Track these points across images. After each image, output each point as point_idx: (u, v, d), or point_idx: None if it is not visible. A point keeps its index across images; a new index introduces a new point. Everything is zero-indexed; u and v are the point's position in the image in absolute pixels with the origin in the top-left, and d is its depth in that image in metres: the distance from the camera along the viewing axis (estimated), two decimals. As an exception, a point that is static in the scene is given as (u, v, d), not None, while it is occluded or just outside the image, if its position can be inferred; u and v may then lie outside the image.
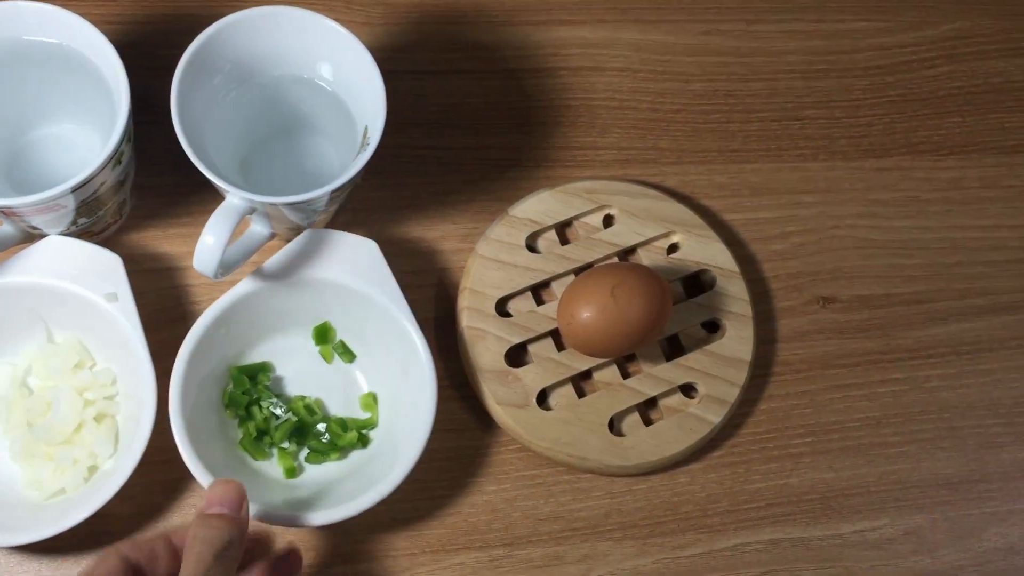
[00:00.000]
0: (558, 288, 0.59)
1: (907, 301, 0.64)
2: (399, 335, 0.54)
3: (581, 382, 0.59)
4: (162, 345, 0.53)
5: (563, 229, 0.61)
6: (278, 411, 0.55)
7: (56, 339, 0.55)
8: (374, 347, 0.56)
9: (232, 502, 0.45)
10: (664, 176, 0.64)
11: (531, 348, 0.58)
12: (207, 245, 0.48)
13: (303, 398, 0.56)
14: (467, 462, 0.58)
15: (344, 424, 0.55)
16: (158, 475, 0.53)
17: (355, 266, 0.54)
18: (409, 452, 0.52)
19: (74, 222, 0.52)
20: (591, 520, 0.57)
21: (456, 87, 0.63)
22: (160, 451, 0.51)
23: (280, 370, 0.57)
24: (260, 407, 0.55)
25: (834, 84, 0.68)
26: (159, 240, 0.58)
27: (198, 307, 0.57)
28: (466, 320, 0.57)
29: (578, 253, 0.59)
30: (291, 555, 0.50)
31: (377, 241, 0.55)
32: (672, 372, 0.58)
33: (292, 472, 0.54)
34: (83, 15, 0.50)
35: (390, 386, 0.56)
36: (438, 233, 0.61)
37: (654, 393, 0.58)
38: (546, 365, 0.58)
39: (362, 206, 0.60)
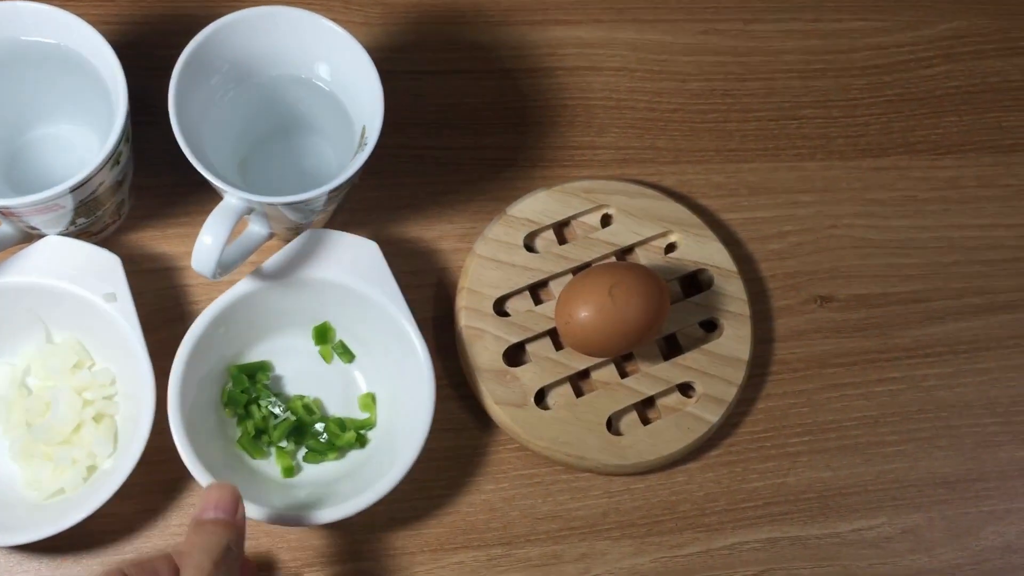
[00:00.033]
0: (556, 288, 0.59)
1: (904, 300, 0.64)
2: (398, 335, 0.54)
3: (579, 381, 0.59)
4: (161, 345, 0.53)
5: (561, 229, 0.61)
6: (277, 410, 0.55)
7: (55, 339, 0.55)
8: (373, 347, 0.56)
9: (227, 505, 0.44)
10: (661, 176, 0.64)
11: (529, 348, 0.58)
12: (205, 245, 0.48)
13: (302, 397, 0.56)
14: (465, 461, 0.58)
15: (342, 424, 0.55)
16: (157, 475, 0.53)
17: (355, 266, 0.54)
18: (407, 452, 0.52)
19: (73, 222, 0.52)
20: (589, 519, 0.58)
21: (454, 87, 0.64)
22: (159, 451, 0.51)
23: (279, 369, 0.57)
24: (259, 406, 0.55)
25: (831, 84, 0.68)
26: (157, 240, 0.58)
27: (197, 307, 0.57)
28: (464, 320, 0.57)
29: (576, 253, 0.60)
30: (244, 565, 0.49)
31: (375, 241, 0.55)
32: (670, 371, 0.58)
33: (290, 471, 0.55)
34: (81, 15, 0.50)
35: (389, 386, 0.56)
36: (436, 233, 0.61)
37: (652, 392, 0.58)
38: (544, 364, 0.58)
39: (360, 206, 0.60)
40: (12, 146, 0.56)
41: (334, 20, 0.51)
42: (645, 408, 0.59)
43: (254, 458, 0.55)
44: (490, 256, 0.59)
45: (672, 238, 0.61)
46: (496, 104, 0.64)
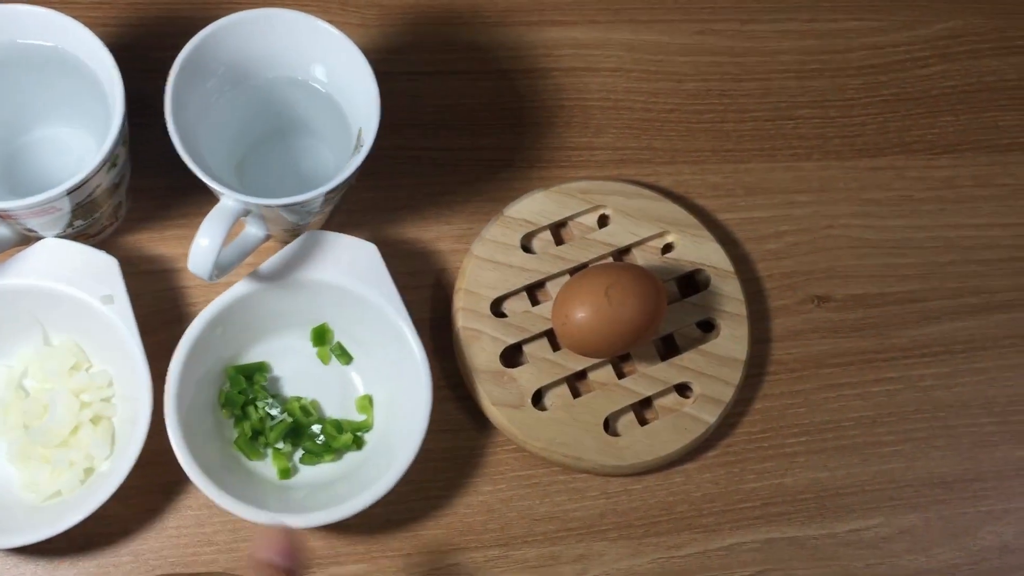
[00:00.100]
0: (553, 288, 0.59)
1: (901, 300, 0.64)
2: (395, 337, 0.54)
3: (576, 382, 0.59)
4: (158, 347, 0.53)
5: (558, 229, 0.61)
6: (274, 411, 0.55)
7: (52, 341, 0.55)
8: (370, 349, 0.57)
9: (288, 552, 0.41)
10: (658, 176, 0.64)
11: (526, 348, 0.58)
12: (201, 247, 0.48)
13: (299, 399, 0.56)
14: (462, 463, 0.58)
15: (339, 426, 0.55)
16: (154, 477, 0.53)
17: (352, 268, 0.54)
18: (404, 453, 0.52)
19: (70, 224, 0.52)
20: (586, 520, 0.58)
21: (451, 88, 0.64)
22: (156, 453, 0.51)
23: (277, 371, 0.57)
24: (256, 407, 0.55)
25: (828, 83, 0.68)
26: (155, 242, 0.58)
27: (194, 309, 0.57)
28: (461, 321, 0.58)
29: (573, 253, 0.60)
30: None
31: (373, 242, 0.55)
32: (667, 372, 0.58)
33: (287, 473, 0.55)
34: (78, 18, 0.50)
35: (386, 387, 0.56)
36: (433, 234, 0.61)
37: (649, 393, 0.58)
38: (541, 365, 0.58)
39: (357, 207, 0.60)
40: (9, 148, 0.56)
41: (331, 22, 0.51)
42: (642, 409, 0.59)
43: (251, 459, 0.55)
44: (487, 257, 0.59)
45: (669, 238, 0.61)
46: (493, 105, 0.64)
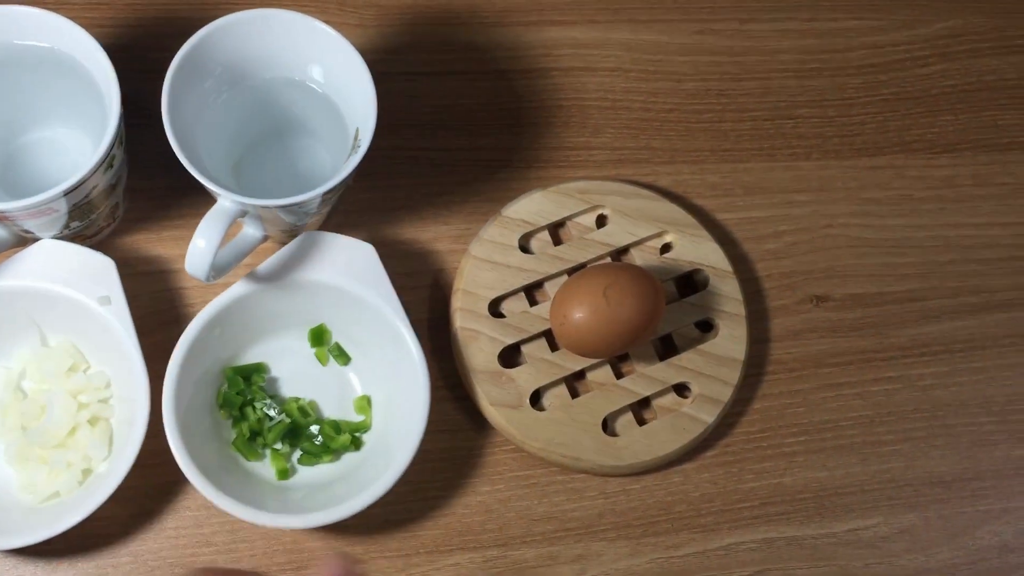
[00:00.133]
0: (551, 288, 0.59)
1: (900, 299, 0.64)
2: (393, 337, 0.54)
3: (574, 382, 0.59)
4: (156, 348, 0.53)
5: (556, 229, 0.61)
6: (272, 412, 0.55)
7: (50, 342, 0.55)
8: (368, 349, 0.56)
9: None
10: (657, 176, 0.64)
11: (524, 349, 0.58)
12: (198, 248, 0.48)
13: (297, 400, 0.56)
14: (461, 463, 0.58)
15: (337, 427, 0.55)
16: (152, 478, 0.54)
17: (350, 268, 0.54)
18: (402, 454, 0.52)
19: (67, 226, 0.52)
20: (585, 520, 0.58)
21: (449, 88, 0.63)
22: (154, 454, 0.51)
23: (275, 371, 0.57)
24: (254, 408, 0.55)
25: (827, 83, 0.68)
26: (152, 243, 0.58)
27: (192, 309, 0.57)
28: (459, 321, 0.57)
29: (571, 253, 0.60)
30: None
31: (370, 243, 0.55)
32: (665, 372, 0.58)
33: (285, 473, 0.55)
34: (74, 19, 0.50)
35: (384, 388, 0.56)
36: (431, 234, 0.61)
37: (647, 393, 0.58)
38: (539, 366, 0.58)
39: (355, 207, 0.60)
40: (6, 150, 0.56)
41: (328, 22, 0.51)
42: (641, 409, 0.59)
43: (249, 460, 0.55)
44: (485, 257, 0.59)
45: (667, 238, 0.61)
46: (491, 105, 0.64)
